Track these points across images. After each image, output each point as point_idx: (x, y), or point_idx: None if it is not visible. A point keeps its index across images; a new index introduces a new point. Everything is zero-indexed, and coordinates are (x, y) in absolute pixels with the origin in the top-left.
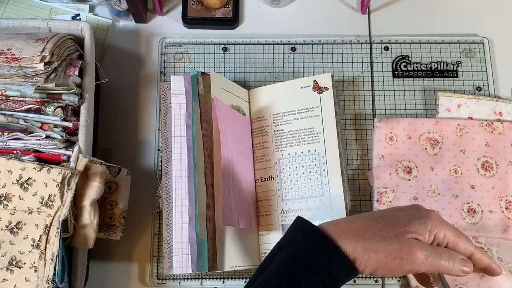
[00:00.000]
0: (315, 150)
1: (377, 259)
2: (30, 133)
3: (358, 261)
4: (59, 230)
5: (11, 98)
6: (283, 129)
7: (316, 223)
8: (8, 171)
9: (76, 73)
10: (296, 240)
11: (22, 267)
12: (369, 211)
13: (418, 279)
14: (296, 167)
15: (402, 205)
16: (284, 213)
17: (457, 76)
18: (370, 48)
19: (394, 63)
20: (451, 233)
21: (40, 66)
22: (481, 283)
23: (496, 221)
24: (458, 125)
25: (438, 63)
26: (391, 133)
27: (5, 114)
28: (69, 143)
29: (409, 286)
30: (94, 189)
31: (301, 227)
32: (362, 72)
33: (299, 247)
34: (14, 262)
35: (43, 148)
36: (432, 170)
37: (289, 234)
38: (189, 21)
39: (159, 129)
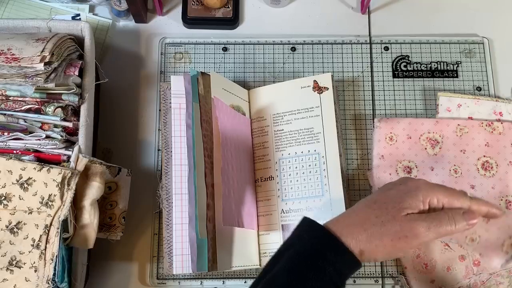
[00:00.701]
0: (315, 150)
1: (384, 244)
2: (30, 133)
3: (366, 252)
4: (59, 230)
5: (11, 98)
6: (283, 129)
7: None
8: (8, 171)
9: (76, 73)
10: (303, 238)
11: (22, 267)
12: None
13: None
14: (296, 167)
15: (391, 182)
16: (284, 213)
17: (457, 76)
18: (370, 48)
19: (394, 63)
20: (443, 195)
21: (40, 66)
22: (489, 227)
23: None
24: (458, 125)
25: (438, 63)
26: (391, 133)
27: (5, 114)
28: (69, 143)
29: (409, 286)
30: (94, 189)
31: (307, 226)
32: (362, 72)
33: (306, 245)
34: (14, 262)
35: (43, 148)
36: (432, 170)
37: (295, 233)
38: (189, 21)
39: (159, 129)
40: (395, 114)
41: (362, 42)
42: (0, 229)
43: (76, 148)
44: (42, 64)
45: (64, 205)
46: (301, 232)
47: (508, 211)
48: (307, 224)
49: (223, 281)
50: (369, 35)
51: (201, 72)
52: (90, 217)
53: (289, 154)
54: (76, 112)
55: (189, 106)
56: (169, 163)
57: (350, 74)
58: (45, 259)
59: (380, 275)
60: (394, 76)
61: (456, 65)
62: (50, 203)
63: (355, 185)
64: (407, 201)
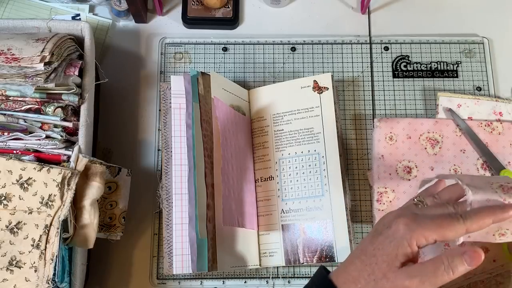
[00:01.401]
0: (315, 150)
1: None
2: (30, 133)
3: None
4: (59, 230)
5: (11, 98)
6: (283, 129)
7: (316, 223)
8: (8, 171)
9: (76, 73)
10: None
11: (22, 267)
12: (369, 211)
13: None
14: (296, 167)
15: (382, 222)
16: (284, 213)
17: (457, 76)
18: (370, 48)
19: (394, 63)
20: (430, 231)
21: (40, 66)
22: None
23: None
24: (458, 125)
25: (438, 63)
26: (391, 133)
27: (5, 114)
28: (69, 143)
29: None
30: (94, 189)
31: (319, 274)
32: (362, 72)
33: None
34: (14, 262)
35: (43, 148)
36: (432, 170)
37: (309, 282)
38: (189, 21)
39: (159, 129)
40: (395, 114)
41: (362, 42)
42: (0, 229)
43: (76, 148)
44: (42, 64)
45: (64, 205)
46: (313, 280)
47: None
48: (319, 272)
49: (223, 281)
50: (369, 35)
51: (201, 72)
52: (90, 217)
53: (289, 154)
54: (76, 112)
55: (189, 106)
56: (169, 163)
57: (350, 74)
58: (45, 259)
59: None
60: (394, 76)
61: (456, 65)
62: (50, 203)
63: (355, 186)
64: (393, 252)
